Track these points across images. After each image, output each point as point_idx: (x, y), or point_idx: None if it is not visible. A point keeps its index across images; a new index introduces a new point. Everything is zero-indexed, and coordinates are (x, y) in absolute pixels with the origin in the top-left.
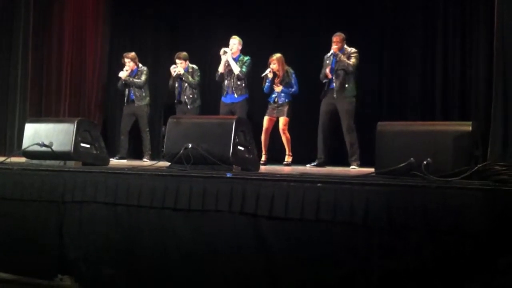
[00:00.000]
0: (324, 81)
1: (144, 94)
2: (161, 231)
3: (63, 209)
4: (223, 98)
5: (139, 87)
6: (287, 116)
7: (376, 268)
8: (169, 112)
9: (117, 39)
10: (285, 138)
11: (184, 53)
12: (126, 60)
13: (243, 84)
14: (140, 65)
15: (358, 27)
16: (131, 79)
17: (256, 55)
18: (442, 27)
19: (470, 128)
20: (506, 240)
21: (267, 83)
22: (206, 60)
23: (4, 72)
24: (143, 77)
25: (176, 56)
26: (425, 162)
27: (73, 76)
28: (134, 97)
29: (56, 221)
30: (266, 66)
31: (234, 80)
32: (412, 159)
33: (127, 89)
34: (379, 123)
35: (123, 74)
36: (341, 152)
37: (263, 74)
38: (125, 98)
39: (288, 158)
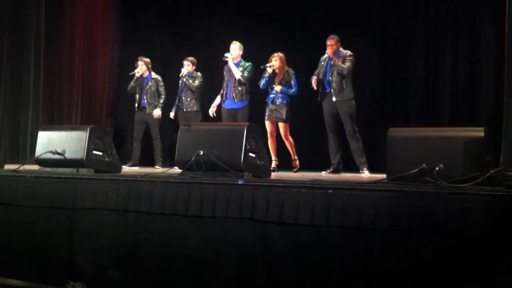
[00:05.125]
0: (312, 86)
1: (156, 103)
2: (171, 237)
3: (74, 215)
4: (223, 105)
5: (160, 95)
6: (286, 121)
7: (378, 269)
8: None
9: (128, 45)
10: (288, 143)
11: (192, 58)
12: (140, 62)
13: (244, 90)
14: (153, 73)
15: (360, 29)
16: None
17: (258, 60)
18: (451, 25)
19: (482, 134)
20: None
21: (264, 80)
22: (213, 65)
23: (17, 80)
24: (162, 89)
25: (185, 58)
26: (437, 168)
27: (84, 82)
28: (146, 104)
29: (67, 228)
30: (267, 62)
31: (235, 85)
32: (424, 165)
33: (137, 95)
34: (390, 129)
35: (136, 72)
36: (351, 157)
37: (262, 66)
38: (136, 104)
39: (294, 163)
